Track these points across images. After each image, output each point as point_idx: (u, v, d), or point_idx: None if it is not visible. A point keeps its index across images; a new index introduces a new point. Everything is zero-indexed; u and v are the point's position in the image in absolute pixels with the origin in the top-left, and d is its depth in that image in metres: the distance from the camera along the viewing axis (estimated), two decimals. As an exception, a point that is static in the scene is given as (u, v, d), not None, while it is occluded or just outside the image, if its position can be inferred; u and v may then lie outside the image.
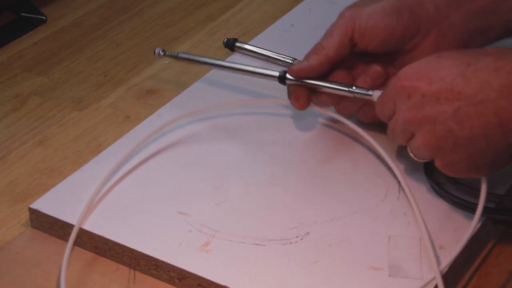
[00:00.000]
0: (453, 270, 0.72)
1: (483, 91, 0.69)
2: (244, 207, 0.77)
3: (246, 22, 1.08)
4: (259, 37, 1.01)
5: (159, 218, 0.75)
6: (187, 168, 0.81)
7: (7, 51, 1.03)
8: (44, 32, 1.06)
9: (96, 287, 0.72)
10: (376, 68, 0.81)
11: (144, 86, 0.96)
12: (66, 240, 0.74)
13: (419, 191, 0.78)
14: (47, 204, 0.77)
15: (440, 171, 0.75)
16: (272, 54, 0.95)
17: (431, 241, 0.73)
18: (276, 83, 0.85)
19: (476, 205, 0.74)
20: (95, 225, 0.75)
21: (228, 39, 0.97)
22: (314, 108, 0.85)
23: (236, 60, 0.95)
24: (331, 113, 0.84)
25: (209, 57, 0.90)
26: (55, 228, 0.76)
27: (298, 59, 0.92)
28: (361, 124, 0.83)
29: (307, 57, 0.83)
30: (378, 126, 0.82)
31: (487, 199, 0.74)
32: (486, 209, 0.74)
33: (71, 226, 0.75)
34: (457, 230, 0.74)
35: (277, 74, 0.84)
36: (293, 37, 1.00)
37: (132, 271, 0.73)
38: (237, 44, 0.97)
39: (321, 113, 0.86)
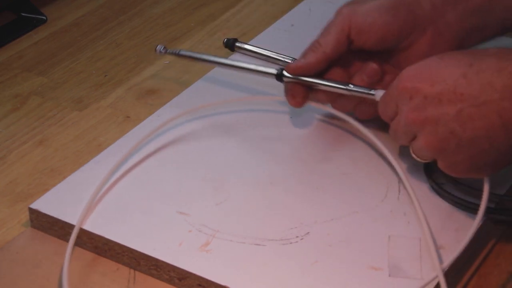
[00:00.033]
0: (453, 270, 0.72)
1: (485, 92, 0.69)
2: (244, 207, 0.77)
3: (246, 22, 1.08)
4: (259, 37, 1.01)
5: (159, 218, 0.75)
6: (187, 168, 0.81)
7: (7, 51, 1.03)
8: (44, 32, 1.06)
9: (96, 287, 0.72)
10: (373, 66, 0.82)
11: (144, 86, 0.96)
12: (66, 240, 0.74)
13: (420, 191, 0.78)
14: (47, 204, 0.77)
15: (440, 171, 0.75)
16: (272, 54, 0.95)
17: (434, 240, 0.73)
18: (276, 83, 0.85)
19: (476, 205, 0.74)
20: (95, 225, 0.74)
21: (228, 39, 0.97)
22: (316, 106, 0.85)
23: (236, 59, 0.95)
24: (334, 111, 0.84)
25: (210, 54, 0.90)
26: (55, 228, 0.76)
27: (297, 59, 0.92)
28: (363, 122, 0.83)
29: (304, 54, 0.83)
30: (380, 124, 0.82)
31: (487, 199, 0.74)
32: (486, 209, 0.74)
33: (71, 226, 0.75)
34: (457, 230, 0.74)
35: (274, 71, 0.85)
36: (293, 37, 1.00)
37: (132, 271, 0.73)
38: (237, 44, 0.97)
39: (323, 110, 0.86)
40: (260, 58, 0.96)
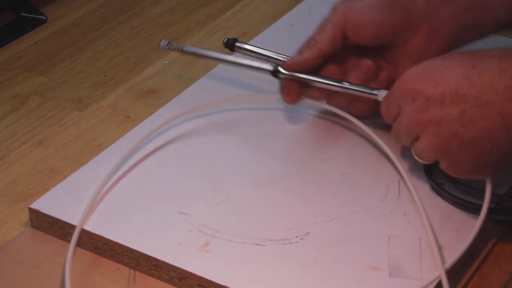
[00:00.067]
0: (453, 270, 0.71)
1: (488, 94, 0.69)
2: (244, 207, 0.77)
3: (246, 22, 1.08)
4: (259, 37, 1.01)
5: (159, 218, 0.75)
6: (187, 168, 0.81)
7: (7, 51, 1.03)
8: (44, 32, 1.06)
9: (96, 287, 0.72)
10: (367, 63, 0.82)
11: (144, 86, 0.96)
12: (66, 240, 0.74)
13: (420, 191, 0.78)
14: (47, 204, 0.77)
15: (440, 171, 0.75)
16: (272, 54, 0.94)
17: (436, 240, 0.73)
18: (277, 81, 0.85)
19: (476, 205, 0.74)
20: (95, 225, 0.74)
21: (228, 39, 0.97)
22: (317, 104, 0.85)
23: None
24: (335, 109, 0.84)
25: (213, 51, 0.90)
26: (55, 228, 0.76)
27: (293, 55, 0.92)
28: (365, 121, 0.83)
29: (300, 51, 0.83)
30: (382, 124, 0.82)
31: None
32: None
33: (71, 226, 0.75)
34: (457, 230, 0.74)
35: (271, 68, 0.85)
36: (293, 37, 1.00)
37: (132, 271, 0.73)
38: (237, 44, 0.97)
39: (324, 109, 0.86)
40: (260, 58, 0.95)
